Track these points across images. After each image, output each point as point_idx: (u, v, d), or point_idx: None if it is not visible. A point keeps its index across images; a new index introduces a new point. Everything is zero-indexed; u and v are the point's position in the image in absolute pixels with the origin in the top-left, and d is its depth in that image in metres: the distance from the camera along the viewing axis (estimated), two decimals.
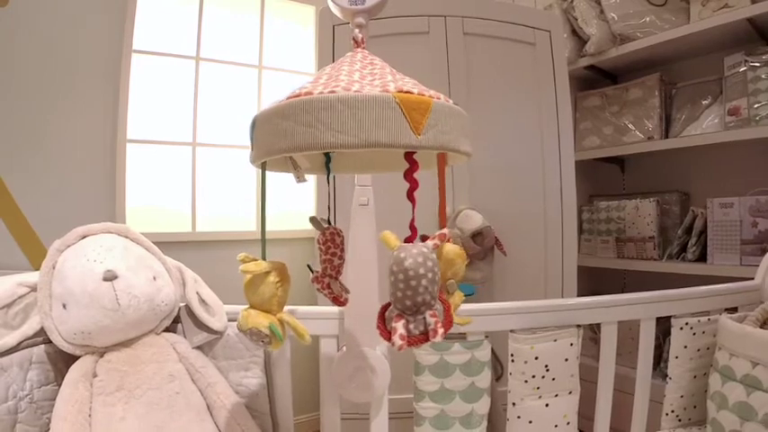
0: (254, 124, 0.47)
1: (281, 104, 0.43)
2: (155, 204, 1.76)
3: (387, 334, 0.45)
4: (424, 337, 0.44)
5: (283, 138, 0.42)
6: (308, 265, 0.65)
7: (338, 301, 0.65)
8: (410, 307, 0.43)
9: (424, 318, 0.44)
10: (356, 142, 0.40)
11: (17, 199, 1.46)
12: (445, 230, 0.46)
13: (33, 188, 1.49)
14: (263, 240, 0.56)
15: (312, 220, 0.64)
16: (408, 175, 0.45)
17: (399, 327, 0.43)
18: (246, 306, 0.56)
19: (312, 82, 0.46)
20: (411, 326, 0.44)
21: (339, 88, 0.42)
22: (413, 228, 0.46)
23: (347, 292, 0.65)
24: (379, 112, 0.41)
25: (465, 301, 0.56)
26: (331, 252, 0.62)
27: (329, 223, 0.63)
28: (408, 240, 0.46)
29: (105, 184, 1.61)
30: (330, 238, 0.62)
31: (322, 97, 0.41)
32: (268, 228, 0.58)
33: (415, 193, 0.49)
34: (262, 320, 0.54)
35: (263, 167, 0.53)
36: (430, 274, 0.43)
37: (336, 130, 0.40)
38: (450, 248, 0.52)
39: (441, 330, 0.43)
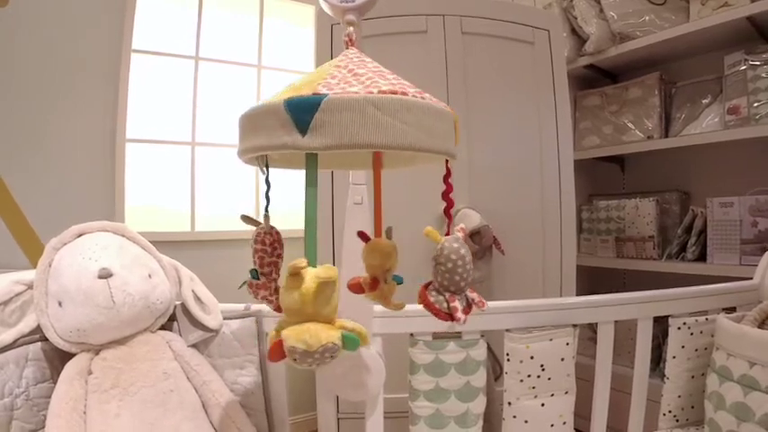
0: (320, 107, 0.41)
1: (376, 97, 0.41)
2: (154, 204, 1.76)
3: (445, 315, 0.51)
4: (470, 309, 0.53)
5: (383, 132, 0.41)
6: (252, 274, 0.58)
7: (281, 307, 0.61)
8: (463, 287, 0.51)
9: (466, 295, 0.52)
10: (442, 149, 0.45)
11: (17, 198, 1.46)
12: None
13: (33, 187, 1.49)
14: (314, 242, 0.46)
15: (246, 219, 0.58)
16: (447, 180, 0.51)
17: (458, 305, 0.51)
18: (290, 321, 0.45)
19: (381, 79, 0.44)
20: (460, 303, 0.51)
21: (427, 96, 0.45)
22: (450, 223, 0.53)
23: None
24: (449, 124, 0.47)
25: None
26: (277, 253, 0.57)
27: (266, 221, 0.57)
28: (447, 234, 0.53)
29: (104, 183, 1.62)
30: (277, 239, 0.57)
31: (422, 102, 0.44)
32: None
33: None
34: (332, 332, 0.45)
35: (313, 158, 0.44)
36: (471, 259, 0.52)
37: (433, 135, 0.44)
38: (386, 243, 0.57)
39: (485, 301, 0.53)
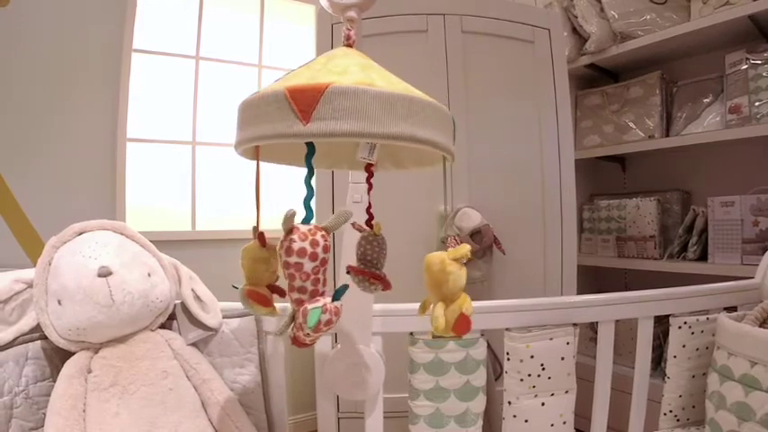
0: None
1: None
2: (155, 203, 1.77)
3: (386, 283, 0.60)
4: None
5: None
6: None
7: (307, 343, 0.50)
8: None
9: None
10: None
11: (18, 197, 1.46)
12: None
13: (34, 187, 1.50)
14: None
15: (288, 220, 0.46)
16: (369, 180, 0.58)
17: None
18: (455, 297, 0.51)
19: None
20: None
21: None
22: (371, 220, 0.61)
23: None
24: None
25: None
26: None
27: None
28: (368, 227, 0.62)
29: (105, 182, 1.62)
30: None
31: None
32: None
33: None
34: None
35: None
36: None
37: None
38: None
39: None
